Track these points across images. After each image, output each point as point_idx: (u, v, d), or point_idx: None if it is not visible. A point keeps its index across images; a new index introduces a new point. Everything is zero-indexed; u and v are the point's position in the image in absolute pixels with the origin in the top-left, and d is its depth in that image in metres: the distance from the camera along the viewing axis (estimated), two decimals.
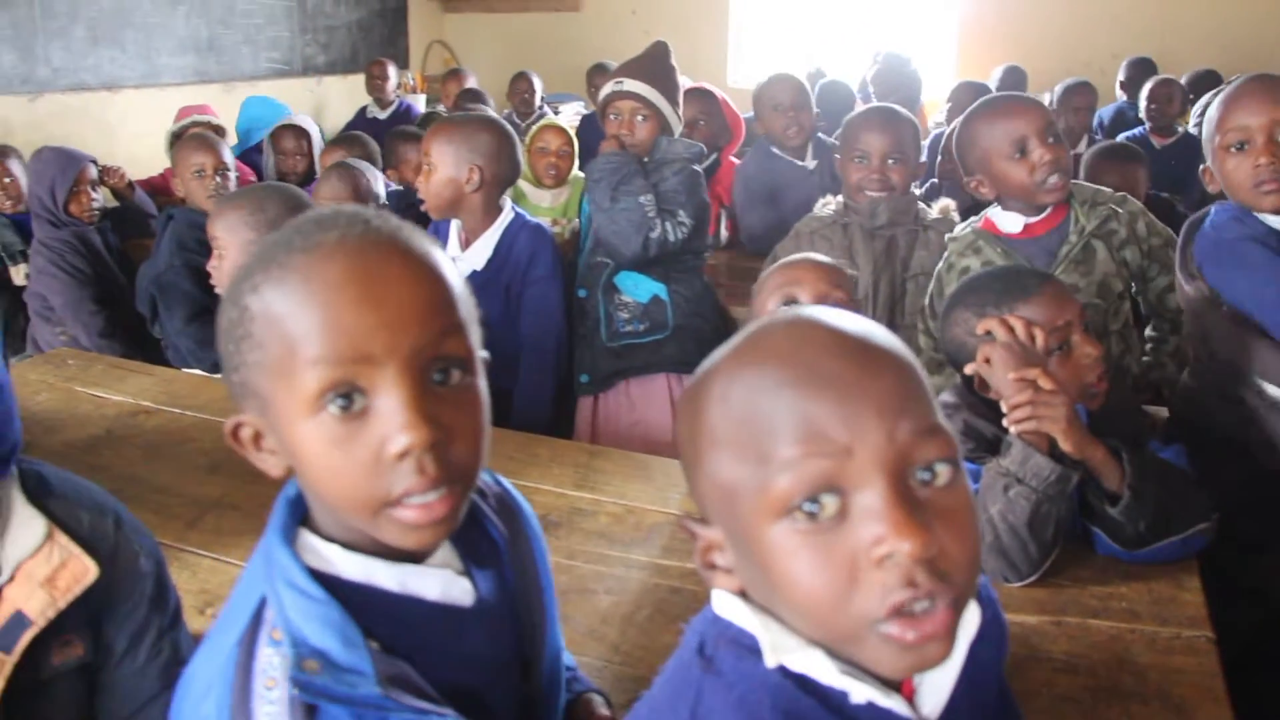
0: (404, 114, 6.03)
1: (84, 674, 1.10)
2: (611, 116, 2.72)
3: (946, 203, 2.74)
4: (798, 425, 0.72)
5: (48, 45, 5.57)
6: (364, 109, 6.35)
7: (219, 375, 2.69)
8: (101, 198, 3.76)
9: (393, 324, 0.78)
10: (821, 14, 7.72)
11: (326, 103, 7.29)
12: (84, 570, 1.06)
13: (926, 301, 2.43)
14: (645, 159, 2.69)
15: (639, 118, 2.69)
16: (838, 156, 2.78)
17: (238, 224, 2.32)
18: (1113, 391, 1.75)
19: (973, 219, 2.42)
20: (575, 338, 2.78)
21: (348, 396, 0.78)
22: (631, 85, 2.69)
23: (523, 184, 3.76)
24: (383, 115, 6.04)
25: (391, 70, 6.29)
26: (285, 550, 0.83)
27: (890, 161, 2.60)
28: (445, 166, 2.57)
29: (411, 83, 6.71)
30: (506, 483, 1.03)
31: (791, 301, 1.83)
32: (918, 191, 2.76)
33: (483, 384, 0.85)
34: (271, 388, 0.80)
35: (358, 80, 7.06)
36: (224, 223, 2.35)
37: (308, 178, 4.17)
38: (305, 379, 0.78)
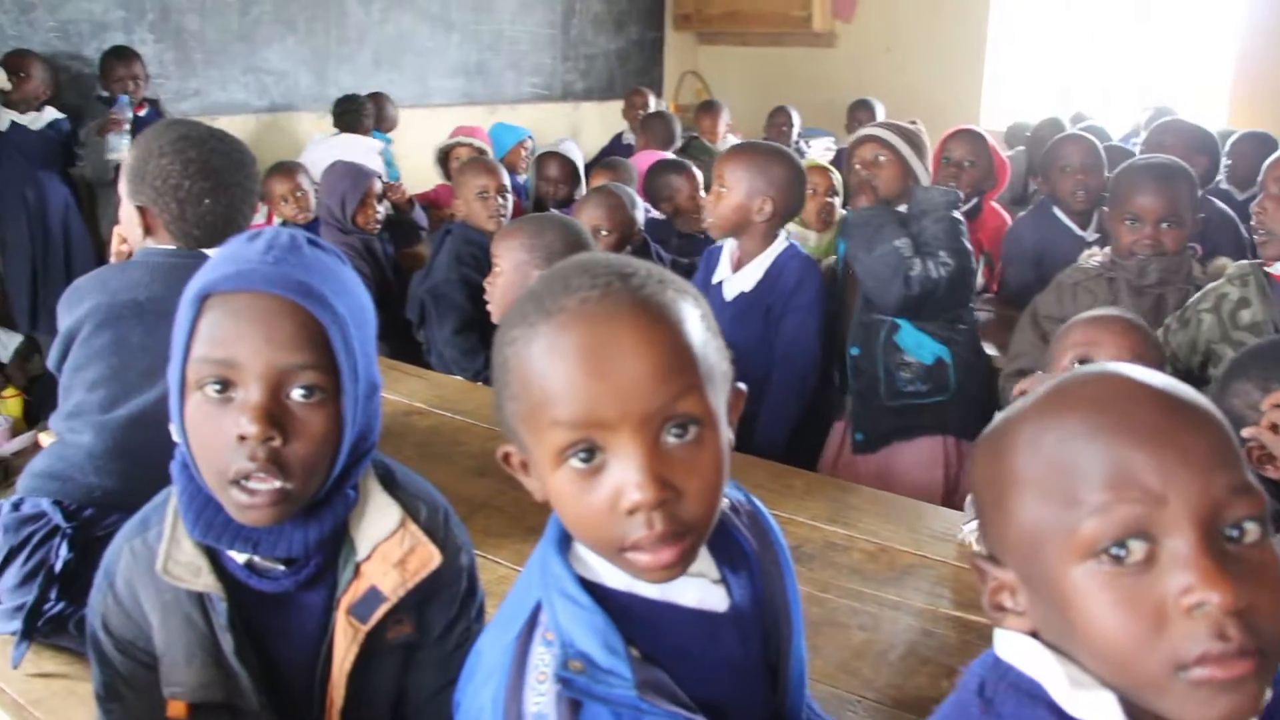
0: None
1: (406, 651, 1.21)
2: (856, 165, 2.79)
3: (1223, 262, 2.58)
4: (1111, 471, 0.74)
5: (338, 69, 6.07)
6: (620, 135, 6.55)
7: (479, 383, 2.87)
8: (384, 210, 4.04)
9: (625, 392, 0.83)
10: (1082, 53, 7.46)
11: (582, 127, 7.56)
12: (429, 556, 1.17)
13: (1169, 322, 2.36)
14: (899, 207, 2.71)
15: (879, 158, 2.74)
16: (1105, 209, 2.69)
17: (516, 248, 2.46)
18: None
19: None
20: (851, 394, 2.81)
21: (588, 453, 0.84)
22: (871, 130, 2.80)
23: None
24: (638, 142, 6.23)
25: (651, 99, 6.48)
26: (559, 560, 0.91)
27: (1164, 225, 2.49)
28: (738, 192, 2.65)
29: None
30: (757, 501, 1.07)
31: (1085, 361, 1.78)
32: (1194, 249, 2.64)
33: (722, 435, 0.89)
34: (527, 434, 0.88)
35: (612, 106, 7.31)
36: (504, 245, 2.50)
37: (567, 201, 4.35)
38: (551, 435, 0.85)
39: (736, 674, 0.96)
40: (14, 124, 4.53)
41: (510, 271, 2.47)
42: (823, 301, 2.74)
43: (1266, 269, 2.28)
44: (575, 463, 0.84)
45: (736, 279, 2.70)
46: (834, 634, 1.59)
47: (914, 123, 2.91)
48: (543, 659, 0.87)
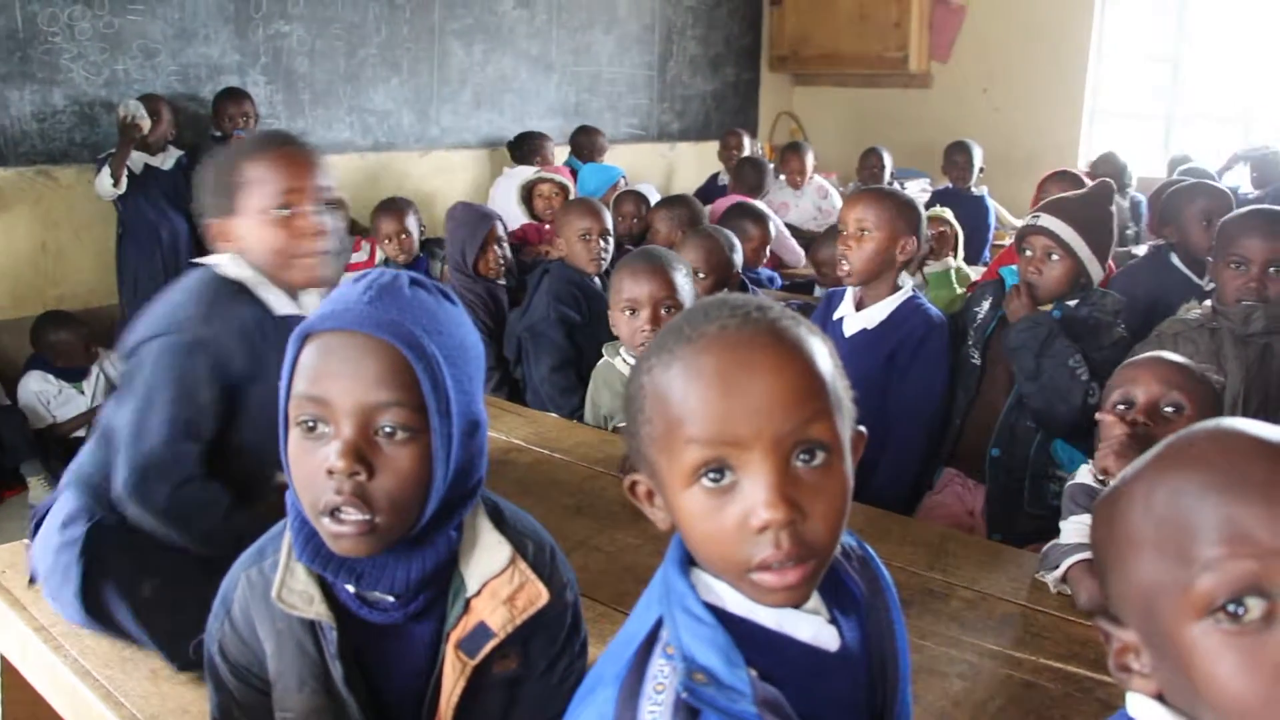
0: None
1: (511, 685, 1.24)
2: (1026, 253, 2.59)
3: None
4: (1223, 526, 0.74)
5: (440, 108, 6.25)
6: (715, 175, 6.61)
7: (575, 420, 2.91)
8: (508, 254, 4.08)
9: (759, 412, 0.85)
10: (1182, 94, 7.33)
11: (677, 167, 7.65)
12: (538, 594, 1.20)
13: None
14: (1057, 309, 2.56)
15: (1051, 256, 2.53)
16: (1210, 259, 2.63)
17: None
18: None
19: None
20: (988, 495, 2.66)
21: (719, 472, 0.86)
22: (1047, 221, 2.55)
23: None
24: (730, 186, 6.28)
25: (746, 141, 6.53)
26: (683, 580, 0.93)
27: (1272, 270, 2.43)
28: (881, 235, 2.64)
29: (760, 152, 6.92)
30: (869, 547, 1.08)
31: (1129, 401, 1.81)
32: None
33: (848, 465, 0.91)
34: (658, 457, 0.91)
35: (708, 146, 7.39)
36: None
37: (640, 238, 4.41)
38: (684, 454, 0.87)
39: (842, 713, 0.97)
40: (146, 166, 4.77)
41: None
42: (948, 357, 2.70)
43: None
44: (706, 482, 0.87)
45: (859, 317, 2.70)
46: (933, 682, 1.59)
47: (1101, 180, 2.70)
48: (662, 670, 0.89)
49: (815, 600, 0.97)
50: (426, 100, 6.18)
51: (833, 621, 0.98)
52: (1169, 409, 1.78)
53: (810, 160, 6.11)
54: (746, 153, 6.43)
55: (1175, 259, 3.42)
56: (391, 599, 1.18)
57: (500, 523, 1.24)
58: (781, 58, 8.35)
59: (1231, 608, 0.73)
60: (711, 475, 0.87)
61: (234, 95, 5.05)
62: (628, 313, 2.51)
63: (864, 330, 2.67)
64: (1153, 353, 1.92)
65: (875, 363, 2.63)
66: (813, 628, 0.95)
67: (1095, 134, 7.49)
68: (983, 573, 1.94)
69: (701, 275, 3.08)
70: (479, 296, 3.90)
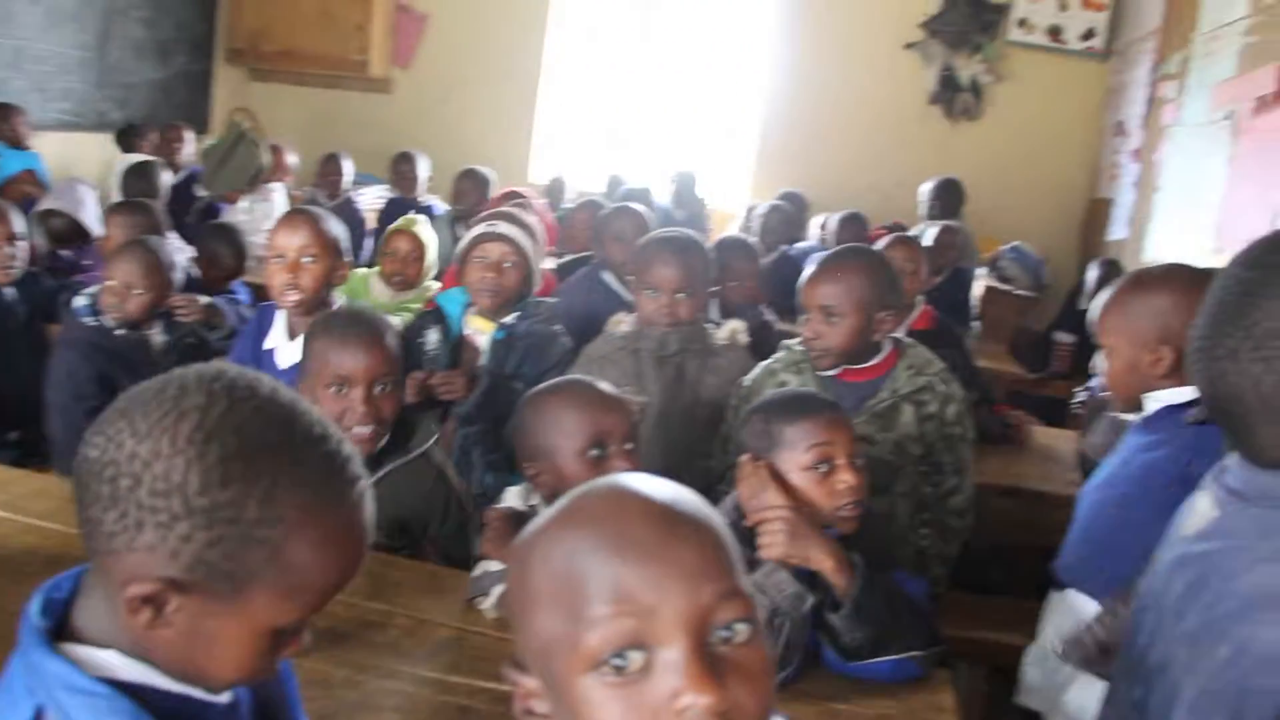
0: (190, 180, 5.91)
1: None
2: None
3: (735, 325, 2.84)
4: (608, 586, 0.80)
5: None
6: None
7: None
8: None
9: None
10: (623, 115, 8.00)
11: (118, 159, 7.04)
12: None
13: (733, 402, 2.57)
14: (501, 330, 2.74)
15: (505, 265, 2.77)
16: (630, 278, 2.83)
17: None
18: (875, 534, 1.94)
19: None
20: None
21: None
22: (505, 229, 2.77)
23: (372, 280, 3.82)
24: (172, 179, 5.87)
25: (188, 136, 6.20)
26: (56, 660, 0.87)
27: (680, 295, 2.65)
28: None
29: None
30: None
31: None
32: (712, 316, 2.86)
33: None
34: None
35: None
36: None
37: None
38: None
39: None
40: None
41: None
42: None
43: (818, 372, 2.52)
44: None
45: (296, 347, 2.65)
46: (368, 718, 1.60)
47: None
48: None
49: None
50: None
51: None
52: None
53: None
54: (189, 149, 6.13)
55: (607, 276, 3.67)
56: None
57: None
58: (238, 50, 7.99)
59: (615, 661, 0.80)
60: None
61: None
62: (334, 389, 2.10)
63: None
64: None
65: None
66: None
67: (545, 151, 7.96)
68: (422, 598, 1.97)
69: (138, 293, 2.86)
70: None
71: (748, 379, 2.61)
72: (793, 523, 1.76)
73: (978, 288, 4.72)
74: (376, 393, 2.10)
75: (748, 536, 1.79)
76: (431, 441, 2.25)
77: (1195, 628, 1.06)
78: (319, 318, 2.30)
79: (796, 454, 1.84)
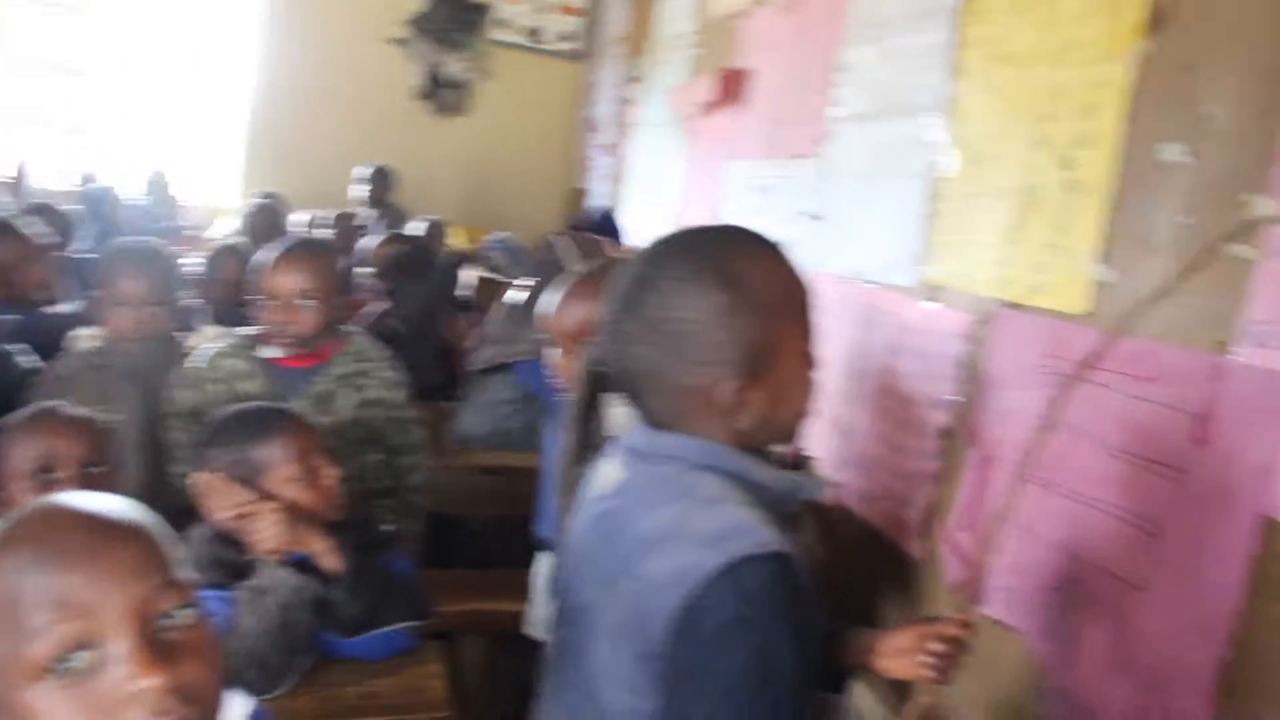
0: None
1: None
2: None
3: (208, 331, 2.85)
4: (47, 596, 0.85)
5: None
6: None
7: None
8: None
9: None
10: (95, 105, 7.41)
11: None
12: None
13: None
14: None
15: None
16: (98, 293, 2.71)
17: None
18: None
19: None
20: None
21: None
22: None
23: None
24: None
25: None
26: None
27: (148, 309, 2.60)
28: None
29: None
30: None
31: (49, 469, 1.83)
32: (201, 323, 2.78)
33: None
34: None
35: None
36: None
37: None
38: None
39: None
40: None
41: None
42: None
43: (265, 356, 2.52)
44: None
45: None
46: None
47: None
48: None
49: None
50: None
51: None
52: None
53: None
54: None
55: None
56: None
57: None
58: None
59: (61, 666, 0.84)
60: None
61: None
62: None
63: None
64: (61, 410, 1.93)
65: None
66: None
67: (5, 140, 7.18)
68: None
69: None
70: None
71: (191, 361, 2.58)
72: (283, 513, 1.82)
73: (470, 277, 4.89)
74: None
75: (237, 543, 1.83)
76: None
77: (608, 571, 1.24)
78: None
79: (282, 469, 1.90)
